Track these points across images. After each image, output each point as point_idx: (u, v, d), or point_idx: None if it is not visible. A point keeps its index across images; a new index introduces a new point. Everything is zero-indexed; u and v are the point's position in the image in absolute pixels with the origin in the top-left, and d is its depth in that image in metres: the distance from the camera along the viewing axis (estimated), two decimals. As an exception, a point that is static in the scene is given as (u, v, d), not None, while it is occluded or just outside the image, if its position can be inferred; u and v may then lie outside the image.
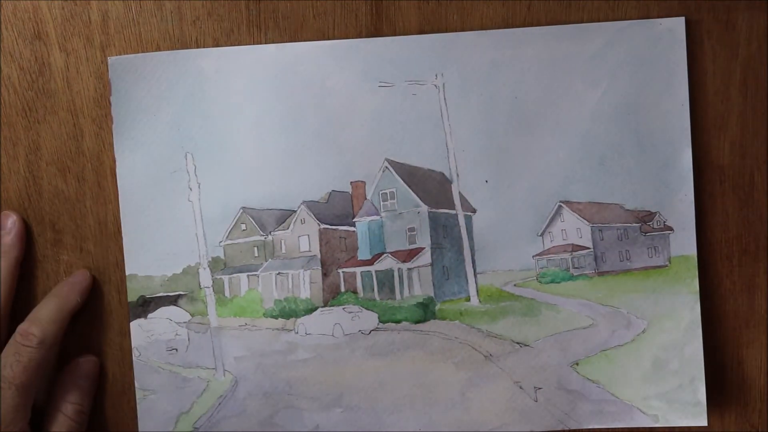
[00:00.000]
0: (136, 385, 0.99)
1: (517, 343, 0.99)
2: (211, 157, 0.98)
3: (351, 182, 0.99)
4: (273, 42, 0.98)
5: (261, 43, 0.98)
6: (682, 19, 0.96)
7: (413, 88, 0.98)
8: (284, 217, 1.00)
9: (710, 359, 0.99)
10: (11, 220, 0.98)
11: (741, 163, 0.99)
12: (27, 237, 0.99)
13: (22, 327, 0.93)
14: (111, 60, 0.97)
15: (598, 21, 0.97)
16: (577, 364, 0.99)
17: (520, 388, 0.99)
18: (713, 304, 1.00)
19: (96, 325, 1.00)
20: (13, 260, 0.97)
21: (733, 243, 1.00)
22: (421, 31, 0.98)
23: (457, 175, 0.99)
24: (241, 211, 0.98)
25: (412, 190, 1.00)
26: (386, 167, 0.98)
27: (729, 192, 1.00)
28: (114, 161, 0.98)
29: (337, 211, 1.00)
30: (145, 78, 0.97)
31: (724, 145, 0.99)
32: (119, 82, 0.97)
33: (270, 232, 1.00)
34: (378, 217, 1.01)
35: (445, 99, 0.97)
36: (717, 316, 1.00)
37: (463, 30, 0.98)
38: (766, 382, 1.01)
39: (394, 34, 0.98)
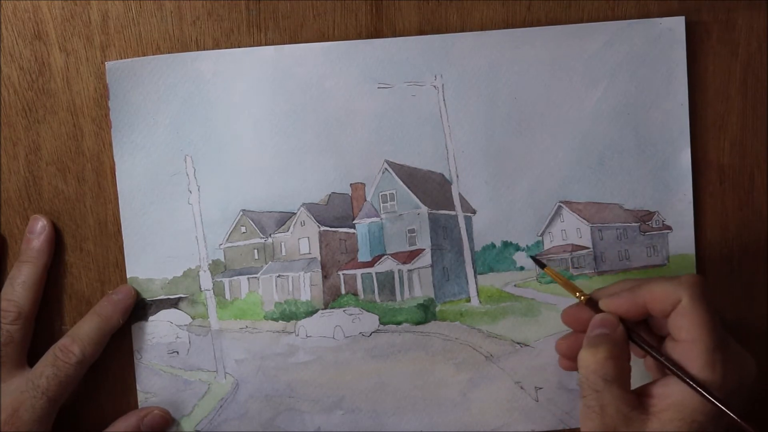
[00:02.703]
0: (138, 387, 0.99)
1: (518, 343, 1.00)
2: (211, 159, 0.98)
3: (351, 184, 0.99)
4: (273, 42, 0.98)
5: (261, 44, 0.98)
6: (682, 18, 0.96)
7: (412, 89, 0.98)
8: (284, 219, 1.00)
9: (711, 358, 0.99)
10: (41, 224, 0.98)
11: (741, 163, 1.00)
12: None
13: (63, 343, 0.93)
14: (109, 65, 0.97)
15: (598, 21, 0.97)
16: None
17: (521, 388, 0.99)
18: (713, 303, 1.00)
19: (95, 318, 1.00)
20: (42, 266, 0.97)
21: (733, 243, 1.00)
22: (421, 32, 0.98)
23: (457, 176, 0.99)
24: (241, 213, 0.98)
25: (412, 192, 1.00)
26: (386, 169, 0.98)
27: (729, 192, 1.00)
28: (114, 161, 0.98)
29: (336, 213, 1.00)
30: (143, 82, 0.97)
31: (724, 145, 0.99)
32: (117, 87, 0.97)
33: (270, 235, 1.00)
34: (378, 219, 1.01)
35: (444, 100, 0.98)
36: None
37: (463, 30, 0.98)
38: (766, 382, 1.01)
39: (394, 34, 0.98)
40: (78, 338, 0.93)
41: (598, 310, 0.86)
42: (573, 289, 0.90)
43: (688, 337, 0.79)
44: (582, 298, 0.88)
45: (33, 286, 0.95)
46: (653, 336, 0.87)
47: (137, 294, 0.99)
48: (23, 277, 0.95)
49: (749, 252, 1.01)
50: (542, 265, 0.94)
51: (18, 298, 0.94)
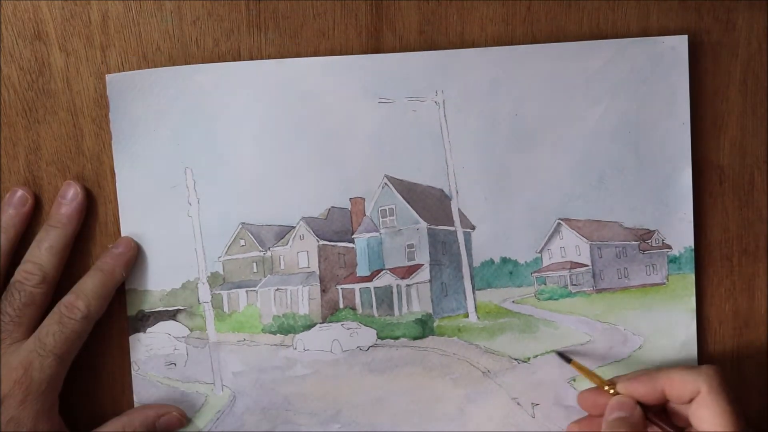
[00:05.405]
0: (135, 399, 0.99)
1: (515, 359, 1.00)
2: (211, 172, 0.97)
3: (350, 198, 0.99)
4: (273, 42, 0.97)
5: (261, 44, 0.97)
6: (685, 37, 0.96)
7: (413, 105, 0.97)
8: (283, 232, 0.99)
9: (710, 359, 1.00)
10: (73, 191, 0.97)
11: (741, 163, 1.00)
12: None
13: (67, 299, 0.93)
14: (109, 77, 0.96)
15: (597, 21, 0.98)
16: (575, 380, 1.00)
17: (518, 404, 1.00)
18: (713, 303, 1.00)
19: (94, 329, 0.99)
20: (70, 233, 0.96)
21: (733, 243, 1.00)
22: (422, 32, 0.97)
23: (457, 192, 0.99)
24: (241, 226, 0.98)
25: (412, 207, 0.99)
26: (385, 184, 0.98)
27: (729, 192, 1.00)
28: (113, 161, 0.98)
29: (336, 228, 1.00)
30: (143, 94, 0.96)
31: (724, 145, 0.99)
32: (118, 99, 0.96)
33: (269, 248, 1.00)
34: (377, 234, 1.01)
35: (445, 116, 0.97)
36: (717, 317, 1.00)
37: (463, 30, 0.97)
38: (766, 382, 1.02)
39: (394, 34, 0.98)
40: (82, 294, 0.93)
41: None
42: (602, 383, 0.92)
43: (709, 429, 0.82)
44: (611, 390, 0.90)
45: (59, 252, 0.95)
46: (672, 425, 0.89)
47: (138, 246, 0.98)
48: (50, 241, 0.95)
49: (749, 252, 1.01)
50: (568, 360, 0.97)
51: (44, 262, 0.94)
